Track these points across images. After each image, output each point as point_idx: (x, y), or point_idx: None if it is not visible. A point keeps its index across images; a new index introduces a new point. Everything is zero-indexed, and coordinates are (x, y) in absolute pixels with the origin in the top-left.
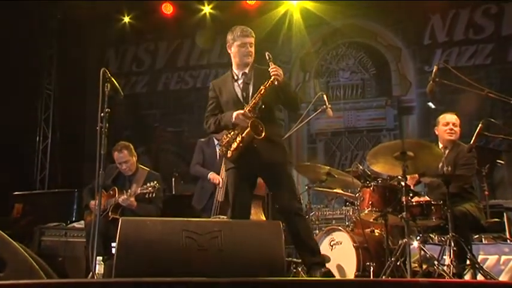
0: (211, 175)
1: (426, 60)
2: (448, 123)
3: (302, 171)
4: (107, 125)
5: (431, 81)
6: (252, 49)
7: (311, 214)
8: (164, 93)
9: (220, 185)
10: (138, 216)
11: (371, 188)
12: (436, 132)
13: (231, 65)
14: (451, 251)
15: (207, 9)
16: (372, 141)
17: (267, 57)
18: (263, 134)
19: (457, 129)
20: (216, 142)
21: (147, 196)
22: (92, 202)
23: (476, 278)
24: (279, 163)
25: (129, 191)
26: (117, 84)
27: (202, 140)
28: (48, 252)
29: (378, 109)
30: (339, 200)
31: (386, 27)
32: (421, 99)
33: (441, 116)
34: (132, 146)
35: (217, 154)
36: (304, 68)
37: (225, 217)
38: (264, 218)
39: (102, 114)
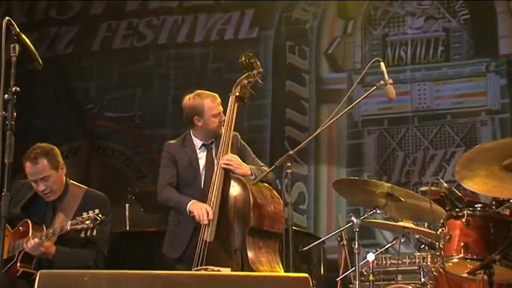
0: (192, 206)
1: None
2: None
3: (344, 191)
4: (15, 114)
5: None
6: None
7: (361, 263)
8: (104, 54)
9: (210, 216)
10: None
11: (463, 220)
12: None
13: None
14: None
15: None
16: (462, 132)
17: None
18: None
19: None
20: (199, 144)
21: (82, 235)
22: None
23: None
24: None
25: (45, 230)
26: (31, 45)
27: (172, 142)
28: None
29: (474, 78)
30: (409, 239)
31: None
32: None
33: None
34: (57, 151)
35: (199, 163)
36: (344, 14)
37: (216, 268)
38: (280, 269)
39: (6, 95)
